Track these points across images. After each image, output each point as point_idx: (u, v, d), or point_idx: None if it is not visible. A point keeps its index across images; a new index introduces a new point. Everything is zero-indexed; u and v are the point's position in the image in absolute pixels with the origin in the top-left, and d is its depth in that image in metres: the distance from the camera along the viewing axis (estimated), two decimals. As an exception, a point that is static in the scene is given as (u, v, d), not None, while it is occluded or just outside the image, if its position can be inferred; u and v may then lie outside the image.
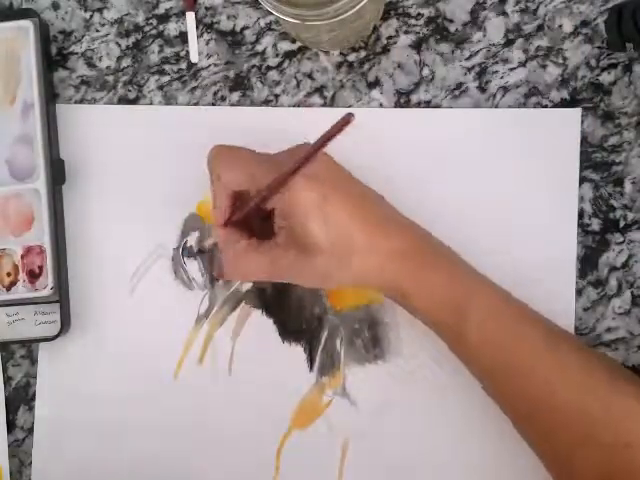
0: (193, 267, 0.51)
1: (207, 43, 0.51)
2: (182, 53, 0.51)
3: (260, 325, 0.50)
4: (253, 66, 0.51)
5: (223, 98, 0.51)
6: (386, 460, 0.48)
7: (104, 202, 0.51)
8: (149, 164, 0.51)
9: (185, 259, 0.51)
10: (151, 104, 0.51)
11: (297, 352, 0.50)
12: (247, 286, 0.50)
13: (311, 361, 0.49)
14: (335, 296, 0.49)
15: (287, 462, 0.49)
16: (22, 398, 0.52)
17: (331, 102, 0.50)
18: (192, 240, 0.51)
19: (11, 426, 0.52)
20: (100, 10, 0.52)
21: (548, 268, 0.47)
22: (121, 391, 0.50)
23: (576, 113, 0.48)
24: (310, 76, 0.50)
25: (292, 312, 0.50)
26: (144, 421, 0.50)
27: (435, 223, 0.49)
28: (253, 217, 0.43)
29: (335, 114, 0.49)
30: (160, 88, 0.51)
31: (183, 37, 0.51)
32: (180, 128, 0.51)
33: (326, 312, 0.49)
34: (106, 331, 0.51)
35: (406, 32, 0.49)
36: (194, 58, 0.51)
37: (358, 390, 0.49)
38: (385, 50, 0.50)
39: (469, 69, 0.49)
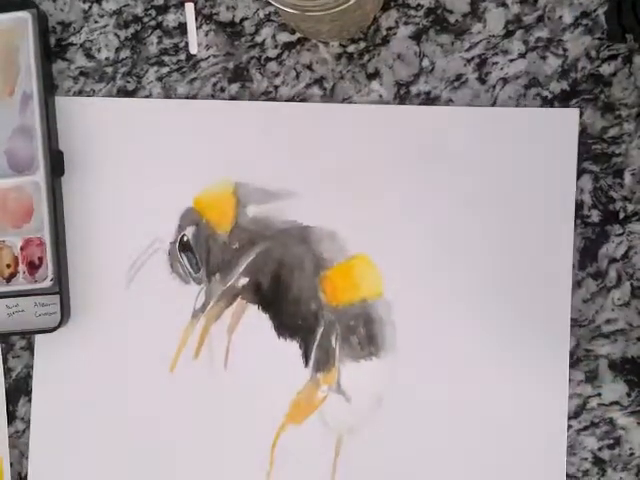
0: (190, 261, 0.51)
1: (206, 34, 0.51)
2: (181, 44, 0.51)
3: (256, 320, 0.50)
4: (252, 57, 0.51)
5: (222, 89, 0.51)
6: (380, 456, 0.48)
7: (103, 194, 0.51)
8: (147, 156, 0.51)
9: (182, 253, 0.51)
10: (150, 95, 0.51)
11: (292, 348, 0.50)
12: (243, 281, 0.50)
13: (306, 357, 0.49)
14: (331, 292, 0.49)
15: (282, 456, 0.49)
16: (22, 389, 0.52)
17: (331, 93, 0.50)
18: (189, 234, 0.51)
19: (11, 417, 0.52)
20: (99, 1, 0.52)
21: (545, 264, 0.48)
22: (118, 384, 0.51)
23: (574, 113, 0.48)
24: (310, 67, 0.50)
25: (288, 308, 0.50)
26: (140, 413, 0.50)
27: (433, 217, 0.49)
28: None
29: (333, 109, 0.50)
30: (159, 79, 0.51)
31: (182, 28, 0.51)
32: (179, 121, 0.51)
33: (322, 308, 0.49)
34: (104, 323, 0.51)
35: (406, 23, 0.49)
36: (193, 49, 0.51)
37: (353, 386, 0.49)
38: (385, 41, 0.50)
39: (469, 60, 0.49)
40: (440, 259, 0.49)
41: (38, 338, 0.51)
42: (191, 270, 0.51)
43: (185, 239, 0.51)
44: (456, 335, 0.48)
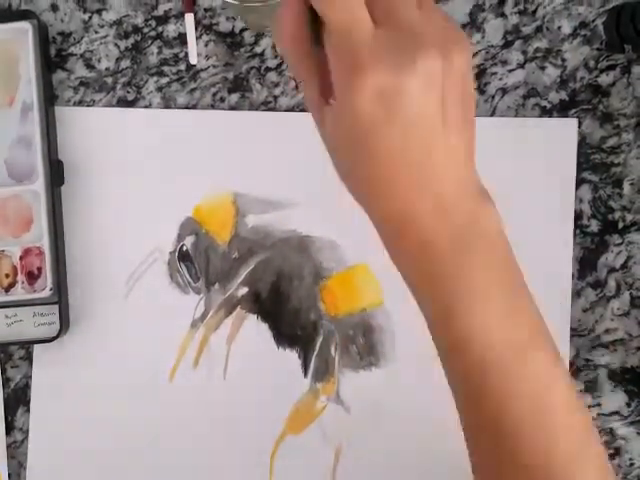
0: (189, 271, 0.51)
1: (206, 44, 0.51)
2: (181, 55, 0.51)
3: (255, 330, 0.50)
4: (252, 67, 0.51)
5: (222, 99, 0.51)
6: (379, 465, 0.48)
7: (102, 203, 0.51)
8: (147, 167, 0.51)
9: (181, 263, 0.51)
10: (150, 105, 0.51)
11: (292, 358, 0.50)
12: (243, 291, 0.50)
13: (305, 367, 0.49)
14: (331, 301, 0.49)
15: (281, 466, 0.49)
16: (21, 399, 0.52)
17: (330, 103, 0.50)
18: (188, 244, 0.51)
19: (10, 427, 0.52)
20: (99, 11, 0.52)
21: (545, 273, 0.47)
22: (117, 393, 0.50)
23: (572, 122, 0.48)
24: (309, 77, 0.50)
25: (287, 317, 0.50)
26: (139, 423, 0.50)
27: None
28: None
29: None
30: (159, 89, 0.51)
31: (182, 38, 0.51)
32: (178, 131, 0.51)
33: (321, 318, 0.49)
34: (103, 333, 0.51)
35: (405, 34, 0.49)
36: (193, 59, 0.51)
37: (352, 396, 0.49)
38: (384, 51, 0.50)
39: (468, 70, 0.49)
40: None
41: (37, 348, 0.51)
42: (190, 280, 0.51)
43: (184, 249, 0.51)
44: None
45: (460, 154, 0.29)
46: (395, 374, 0.48)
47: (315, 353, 0.49)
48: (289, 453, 0.49)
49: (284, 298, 0.50)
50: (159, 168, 0.51)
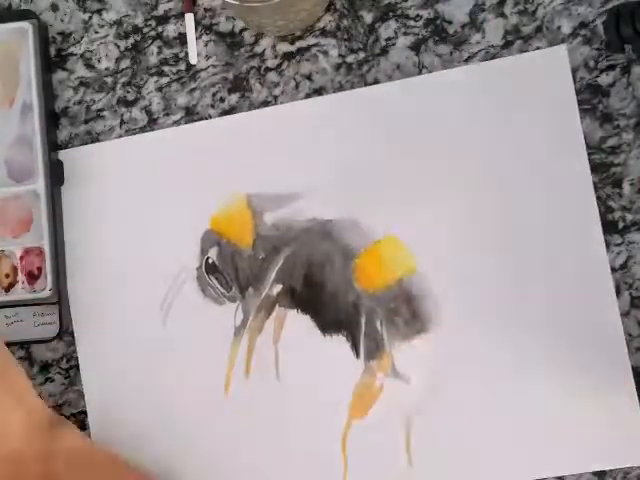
0: (220, 282, 0.50)
1: (206, 44, 0.51)
2: (181, 54, 0.52)
3: (298, 324, 0.49)
4: (252, 67, 0.51)
5: (222, 99, 0.51)
6: (452, 431, 0.47)
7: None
8: (154, 191, 0.51)
9: (210, 276, 0.51)
10: (150, 105, 0.51)
11: (340, 343, 0.49)
12: (277, 289, 0.50)
13: (356, 349, 0.49)
14: (365, 279, 0.49)
15: (354, 454, 0.48)
16: (21, 400, 0.52)
17: (330, 103, 0.50)
18: (213, 256, 0.50)
19: (10, 428, 0.52)
20: (99, 11, 0.52)
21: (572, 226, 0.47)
22: (177, 417, 0.50)
23: (562, 50, 0.47)
24: (309, 77, 0.50)
25: (327, 304, 0.49)
26: (203, 442, 0.50)
27: (448, 185, 0.48)
28: None
29: (324, 102, 0.49)
30: (159, 89, 0.52)
31: (182, 38, 0.51)
32: (178, 148, 0.51)
33: (360, 297, 0.49)
34: (146, 362, 0.50)
35: (405, 34, 0.50)
36: (193, 59, 0.51)
37: (408, 367, 0.48)
38: (384, 51, 0.50)
39: (468, 70, 0.49)
40: (463, 224, 0.48)
41: (84, 373, 0.51)
42: (223, 290, 0.50)
43: (210, 261, 0.50)
44: (495, 292, 0.47)
45: None
46: (445, 335, 0.48)
47: (362, 333, 0.49)
48: (359, 438, 0.48)
49: (319, 286, 0.49)
50: (165, 189, 0.51)
